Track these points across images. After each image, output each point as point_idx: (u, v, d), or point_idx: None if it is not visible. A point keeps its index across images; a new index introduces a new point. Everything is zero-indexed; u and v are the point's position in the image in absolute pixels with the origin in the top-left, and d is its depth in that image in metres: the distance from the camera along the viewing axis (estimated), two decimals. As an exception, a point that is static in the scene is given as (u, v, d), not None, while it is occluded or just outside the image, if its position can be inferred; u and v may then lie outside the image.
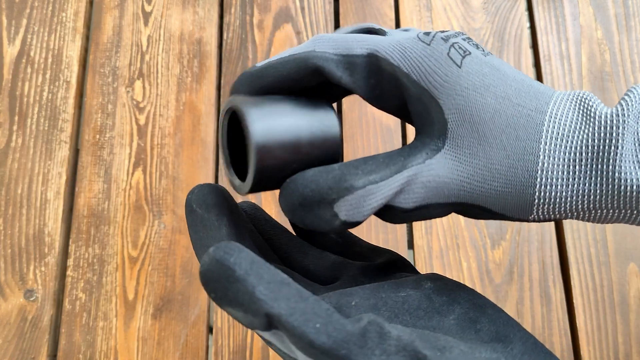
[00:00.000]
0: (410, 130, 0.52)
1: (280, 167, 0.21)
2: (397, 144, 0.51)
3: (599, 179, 0.19)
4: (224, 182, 0.51)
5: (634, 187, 0.19)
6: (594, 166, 0.19)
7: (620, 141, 0.19)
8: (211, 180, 0.50)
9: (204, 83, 0.53)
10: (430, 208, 0.21)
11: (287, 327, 0.16)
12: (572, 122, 0.20)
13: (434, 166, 0.20)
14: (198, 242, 0.21)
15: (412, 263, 0.45)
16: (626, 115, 0.19)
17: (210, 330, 0.47)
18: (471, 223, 0.49)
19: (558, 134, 0.20)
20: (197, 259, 0.21)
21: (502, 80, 0.20)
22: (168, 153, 0.51)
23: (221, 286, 0.16)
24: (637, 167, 0.19)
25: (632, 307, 0.46)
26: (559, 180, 0.19)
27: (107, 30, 0.54)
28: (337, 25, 0.56)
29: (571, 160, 0.19)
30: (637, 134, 0.19)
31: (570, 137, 0.19)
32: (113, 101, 0.52)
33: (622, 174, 0.19)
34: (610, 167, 0.19)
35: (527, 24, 0.56)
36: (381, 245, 0.38)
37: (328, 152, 0.22)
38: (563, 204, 0.20)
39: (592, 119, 0.19)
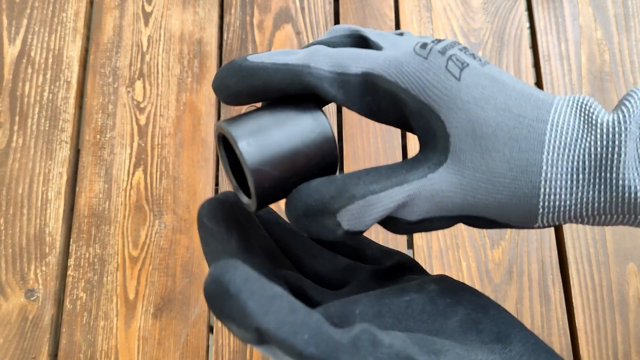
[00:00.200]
0: (410, 130, 0.52)
1: (280, 185, 0.21)
2: (397, 144, 0.52)
3: (602, 186, 0.19)
4: (224, 182, 0.51)
5: (638, 193, 0.19)
6: (597, 174, 0.19)
7: (622, 149, 0.19)
8: (211, 180, 0.50)
9: (204, 83, 0.53)
10: (434, 221, 0.22)
11: (277, 339, 0.16)
12: (574, 131, 0.20)
13: (436, 180, 0.20)
14: (209, 254, 0.22)
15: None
16: (628, 122, 0.19)
17: (210, 329, 0.47)
18: (471, 223, 0.49)
19: (560, 143, 0.20)
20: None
21: (502, 91, 0.20)
22: (168, 153, 0.51)
23: (218, 302, 0.17)
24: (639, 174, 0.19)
25: (631, 307, 0.46)
26: (563, 189, 0.20)
27: (107, 31, 0.54)
28: (337, 26, 0.56)
29: (574, 169, 0.19)
30: (639, 140, 0.19)
31: (573, 146, 0.19)
32: (113, 101, 0.52)
33: (626, 181, 0.19)
34: (614, 174, 0.19)
35: (527, 24, 0.56)
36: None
37: (325, 158, 0.22)
38: (567, 212, 0.20)
39: (593, 127, 0.19)
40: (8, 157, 0.50)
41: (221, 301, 0.17)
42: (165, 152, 0.51)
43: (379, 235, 0.48)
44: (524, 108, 0.20)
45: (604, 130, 0.19)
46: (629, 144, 0.19)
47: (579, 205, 0.20)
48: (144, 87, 0.53)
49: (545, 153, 0.19)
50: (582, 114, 0.20)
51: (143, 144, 0.51)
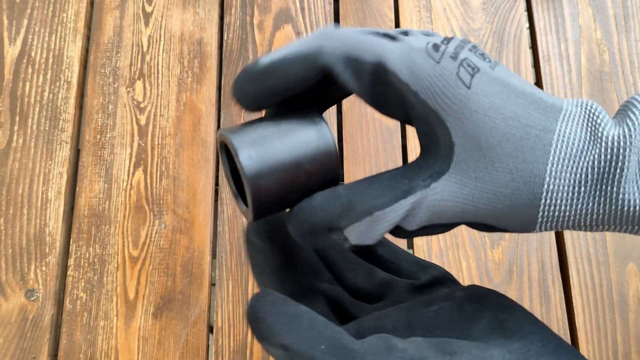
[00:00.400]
0: (410, 130, 0.52)
1: (279, 200, 0.21)
2: (397, 144, 0.52)
3: (602, 199, 0.19)
4: (224, 182, 0.51)
5: (636, 207, 0.19)
6: (598, 187, 0.19)
7: (625, 164, 0.19)
8: (211, 180, 0.50)
9: (204, 83, 0.53)
10: (434, 227, 0.22)
11: (298, 352, 0.18)
12: (580, 142, 0.19)
13: (438, 190, 0.20)
14: (256, 267, 0.25)
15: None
16: (633, 136, 0.19)
17: (210, 329, 0.47)
18: (471, 223, 0.49)
19: (565, 154, 0.19)
20: (257, 283, 0.25)
21: (511, 98, 0.20)
22: (169, 153, 0.51)
23: (253, 327, 0.20)
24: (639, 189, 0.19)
25: (631, 307, 0.46)
26: (563, 200, 0.20)
27: (107, 31, 0.54)
28: (337, 26, 0.56)
29: (576, 182, 0.19)
30: None
31: (577, 157, 0.19)
32: (114, 101, 0.52)
33: (626, 195, 0.19)
34: (615, 188, 0.19)
35: (527, 25, 0.56)
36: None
37: (326, 175, 0.21)
38: (565, 222, 0.20)
39: (599, 140, 0.19)
40: (8, 157, 0.50)
41: (255, 325, 0.19)
42: (165, 152, 0.51)
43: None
44: (532, 117, 0.20)
45: (609, 144, 0.19)
46: (632, 158, 0.19)
47: (577, 216, 0.20)
48: (144, 87, 0.53)
49: (550, 164, 0.19)
50: (589, 124, 0.20)
51: (143, 144, 0.51)
